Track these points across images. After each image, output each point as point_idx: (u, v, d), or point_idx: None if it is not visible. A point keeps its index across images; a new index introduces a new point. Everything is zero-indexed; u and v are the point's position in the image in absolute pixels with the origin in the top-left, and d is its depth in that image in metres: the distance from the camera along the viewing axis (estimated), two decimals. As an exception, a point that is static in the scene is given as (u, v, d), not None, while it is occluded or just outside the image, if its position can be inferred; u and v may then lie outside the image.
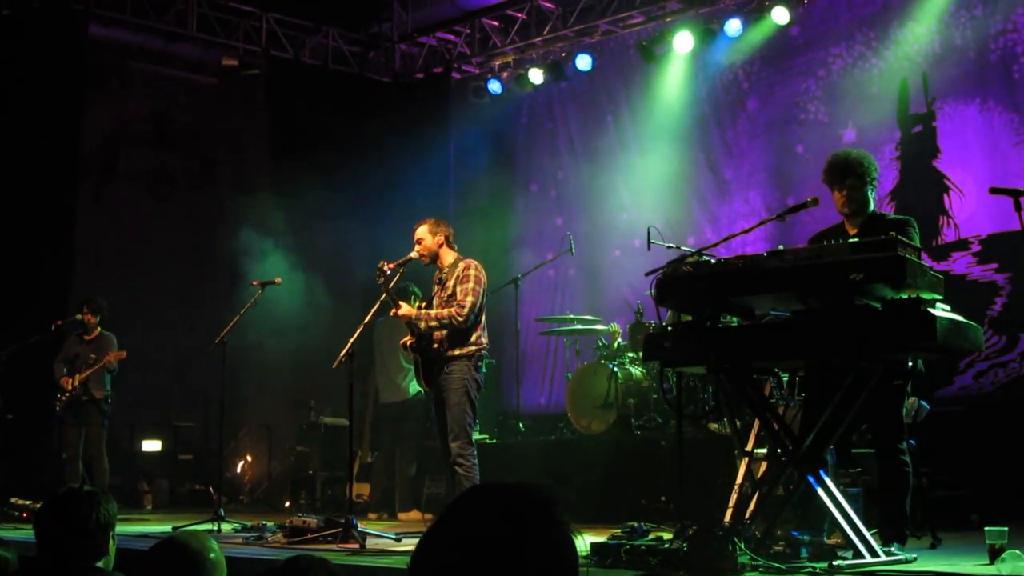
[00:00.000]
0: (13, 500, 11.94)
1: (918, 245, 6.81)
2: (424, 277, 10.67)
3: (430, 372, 9.40)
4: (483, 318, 9.44)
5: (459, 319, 9.12)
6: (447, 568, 2.15)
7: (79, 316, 13.20)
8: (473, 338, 9.29)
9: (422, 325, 9.29)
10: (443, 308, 9.25)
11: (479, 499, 2.25)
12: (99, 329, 13.20)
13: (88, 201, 17.28)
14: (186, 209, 17.57)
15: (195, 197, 17.81)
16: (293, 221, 14.92)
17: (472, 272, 9.31)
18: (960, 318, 6.58)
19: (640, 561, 6.53)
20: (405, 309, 9.32)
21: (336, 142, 16.88)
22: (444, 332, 9.24)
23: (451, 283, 9.30)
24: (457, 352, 9.24)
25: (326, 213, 15.70)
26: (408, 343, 9.51)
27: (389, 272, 9.40)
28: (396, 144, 16.31)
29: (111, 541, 4.87)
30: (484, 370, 9.51)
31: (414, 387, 12.85)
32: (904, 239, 6.37)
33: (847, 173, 7.68)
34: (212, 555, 4.09)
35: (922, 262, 6.45)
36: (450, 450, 9.18)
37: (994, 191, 6.42)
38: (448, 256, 9.51)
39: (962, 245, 12.58)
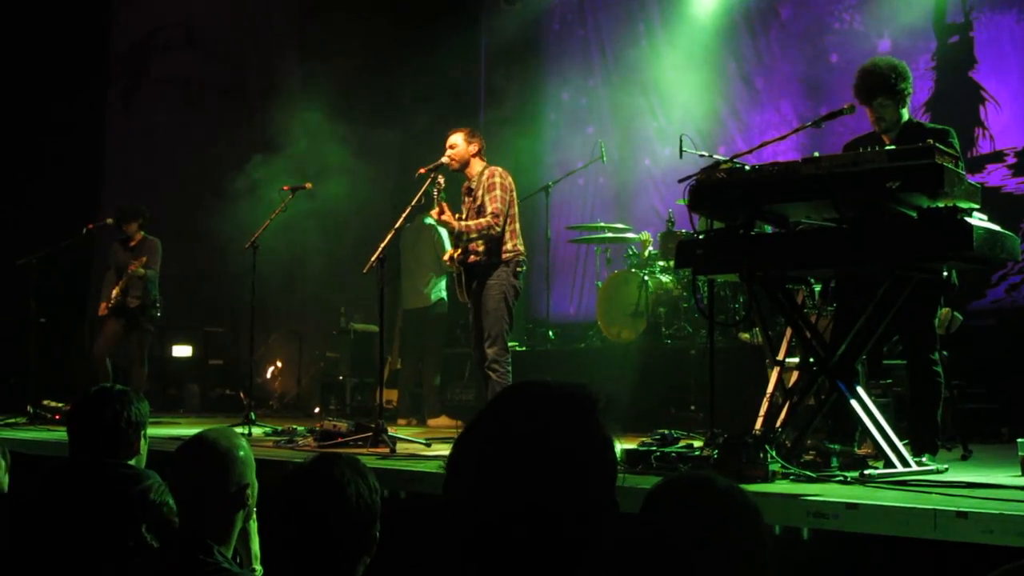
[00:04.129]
0: (46, 402, 12.00)
1: (957, 152, 6.72)
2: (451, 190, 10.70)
3: (470, 283, 9.51)
4: (517, 225, 9.53)
5: (497, 228, 9.27)
6: (487, 462, 2.14)
7: (109, 220, 13.19)
8: (509, 245, 9.42)
9: (464, 237, 9.38)
10: (476, 218, 9.38)
11: (521, 395, 2.24)
12: (141, 234, 13.12)
13: (118, 106, 17.26)
14: (215, 114, 17.50)
15: (224, 102, 17.74)
16: (322, 126, 14.83)
17: (497, 180, 9.49)
18: (996, 227, 6.49)
19: (670, 467, 6.53)
20: (448, 215, 9.38)
21: (366, 48, 16.76)
22: (482, 242, 9.32)
23: (480, 192, 9.46)
24: (495, 260, 9.38)
25: (355, 119, 15.61)
26: (455, 256, 9.61)
27: (441, 182, 9.53)
28: (427, 51, 16.16)
29: (143, 440, 4.89)
30: (521, 278, 9.58)
31: (436, 294, 12.96)
32: (942, 147, 6.27)
33: (875, 91, 7.56)
34: (241, 452, 4.11)
35: (960, 170, 6.36)
36: (485, 355, 9.31)
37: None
38: (477, 166, 9.69)
39: (997, 157, 12.45)
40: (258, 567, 4.44)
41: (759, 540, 2.85)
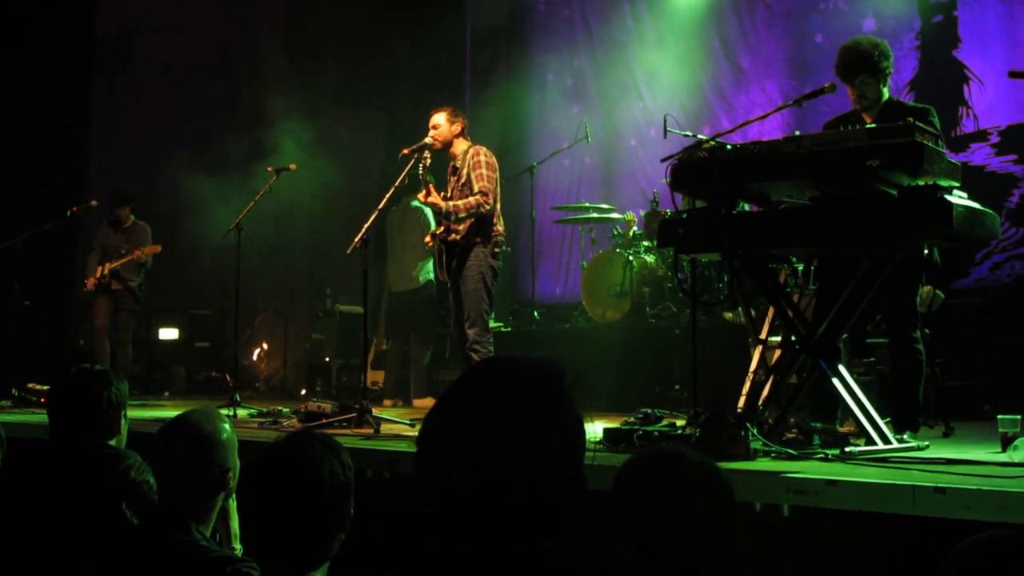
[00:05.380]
0: (30, 385, 11.98)
1: (938, 131, 6.74)
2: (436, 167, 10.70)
3: (450, 261, 9.51)
4: (498, 206, 9.52)
5: (488, 205, 9.30)
6: (455, 436, 2.16)
7: (94, 202, 13.19)
8: (490, 226, 9.37)
9: (453, 217, 9.36)
10: (462, 197, 9.40)
11: (489, 371, 2.26)
12: (132, 218, 13.13)
13: (103, 88, 17.20)
14: (201, 97, 17.45)
15: (210, 85, 17.69)
16: (308, 108, 14.82)
17: (482, 158, 9.49)
18: (977, 205, 6.52)
19: (652, 446, 6.54)
20: (435, 196, 9.38)
21: (352, 29, 16.73)
22: (468, 221, 9.32)
23: (465, 171, 9.45)
24: (476, 239, 9.37)
25: (341, 100, 15.60)
26: (437, 233, 9.60)
27: (418, 158, 9.53)
28: (413, 31, 16.14)
29: (123, 420, 4.89)
30: (501, 258, 9.58)
31: (425, 275, 12.89)
32: (922, 125, 6.29)
33: (856, 69, 7.57)
34: (224, 435, 4.10)
35: (940, 149, 6.37)
36: (466, 336, 9.31)
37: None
38: (461, 145, 9.68)
39: (981, 136, 12.45)
40: (237, 545, 4.45)
41: (729, 514, 2.88)
